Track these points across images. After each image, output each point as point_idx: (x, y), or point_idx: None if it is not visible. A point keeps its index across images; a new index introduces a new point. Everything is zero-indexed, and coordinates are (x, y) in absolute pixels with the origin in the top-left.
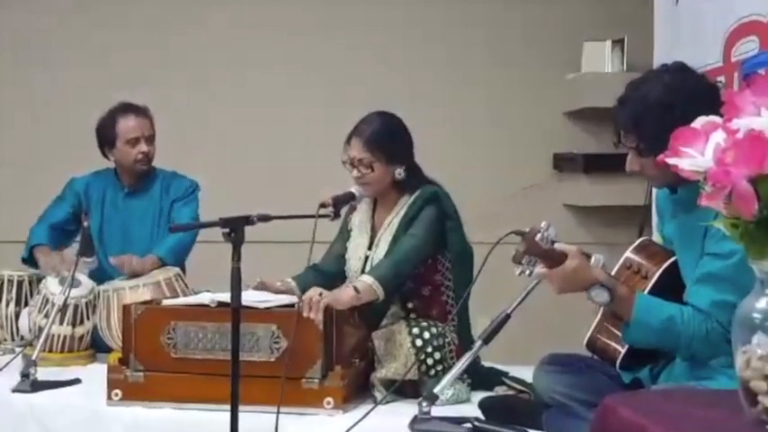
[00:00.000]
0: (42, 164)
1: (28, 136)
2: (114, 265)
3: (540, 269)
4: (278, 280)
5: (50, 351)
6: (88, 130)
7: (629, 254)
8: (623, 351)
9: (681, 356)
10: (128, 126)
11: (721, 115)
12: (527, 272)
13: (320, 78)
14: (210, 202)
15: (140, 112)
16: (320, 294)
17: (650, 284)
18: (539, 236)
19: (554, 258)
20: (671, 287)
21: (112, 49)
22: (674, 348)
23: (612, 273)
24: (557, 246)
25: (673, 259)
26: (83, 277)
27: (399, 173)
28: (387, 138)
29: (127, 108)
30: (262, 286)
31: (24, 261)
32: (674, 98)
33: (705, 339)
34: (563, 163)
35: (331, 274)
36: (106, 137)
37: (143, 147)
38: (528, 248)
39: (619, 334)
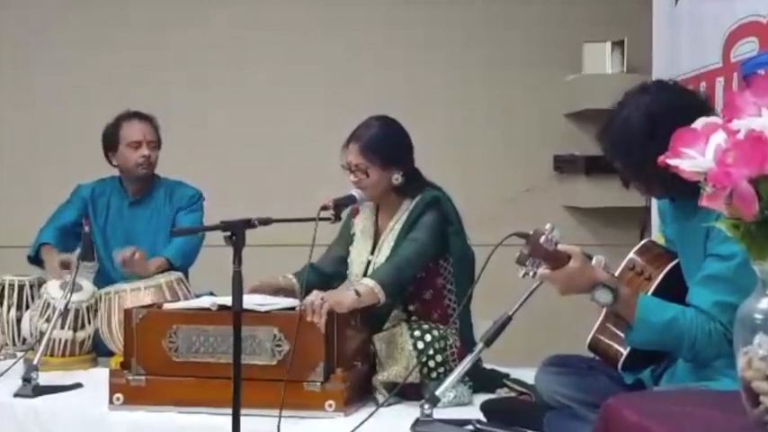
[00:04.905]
0: (42, 164)
1: (28, 136)
2: (118, 261)
3: (542, 270)
4: (280, 275)
5: (52, 355)
6: (88, 131)
7: (632, 255)
8: (625, 352)
9: (683, 357)
10: (131, 130)
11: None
12: (530, 274)
13: (320, 78)
14: (210, 202)
15: (145, 117)
16: (322, 299)
17: (653, 286)
18: (543, 238)
19: (558, 260)
20: (674, 289)
21: (112, 49)
22: (676, 349)
23: (616, 274)
24: (559, 247)
25: (676, 261)
26: (84, 282)
27: (397, 178)
28: (383, 143)
29: (132, 114)
30: (264, 287)
31: (30, 260)
32: (655, 125)
33: (707, 339)
34: (563, 164)
35: (328, 275)
36: (110, 141)
37: (144, 151)
38: (532, 250)
39: (621, 335)
